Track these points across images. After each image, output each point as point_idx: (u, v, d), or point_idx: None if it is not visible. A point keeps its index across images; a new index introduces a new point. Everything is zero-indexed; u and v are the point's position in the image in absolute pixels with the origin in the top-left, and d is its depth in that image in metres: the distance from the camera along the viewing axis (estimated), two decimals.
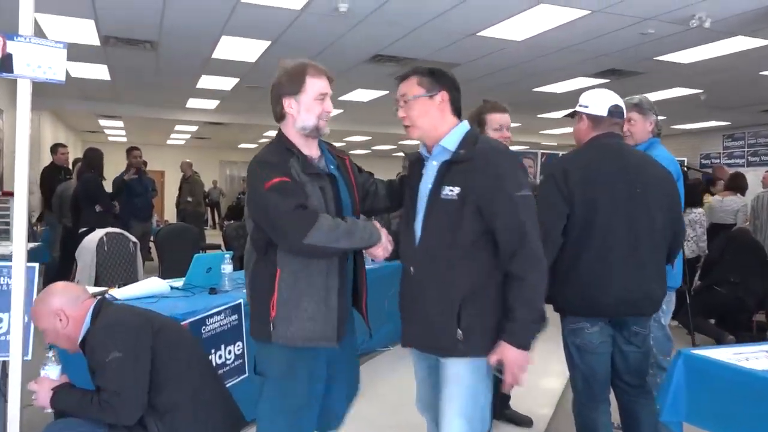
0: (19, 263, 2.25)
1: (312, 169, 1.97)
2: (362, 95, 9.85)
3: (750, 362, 2.10)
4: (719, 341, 4.72)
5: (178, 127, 15.16)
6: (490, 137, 2.53)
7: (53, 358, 2.11)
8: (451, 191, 1.87)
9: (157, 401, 2.02)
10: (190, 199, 9.93)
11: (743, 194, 6.17)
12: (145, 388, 1.98)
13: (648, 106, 3.04)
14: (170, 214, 13.48)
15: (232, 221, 13.55)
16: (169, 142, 18.65)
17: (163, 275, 5.11)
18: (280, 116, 2.01)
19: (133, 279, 4.30)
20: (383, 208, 2.30)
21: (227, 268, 3.23)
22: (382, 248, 1.98)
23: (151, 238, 7.58)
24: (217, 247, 8.94)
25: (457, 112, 2.00)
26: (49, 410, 2.08)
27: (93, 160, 6.06)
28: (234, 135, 16.64)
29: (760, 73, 7.45)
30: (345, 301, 2.03)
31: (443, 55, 6.83)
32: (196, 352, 2.25)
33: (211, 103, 11.26)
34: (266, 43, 6.63)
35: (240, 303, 2.99)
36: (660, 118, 3.17)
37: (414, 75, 1.99)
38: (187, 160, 10.67)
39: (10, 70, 2.18)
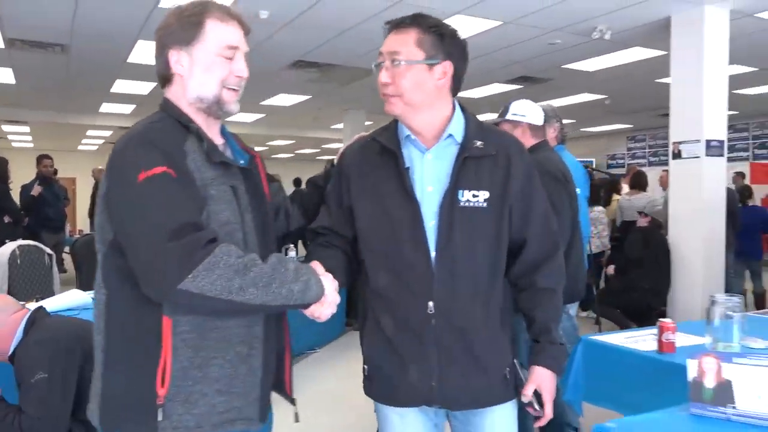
0: None
1: (220, 157, 1.28)
2: (285, 100, 9.83)
3: (639, 344, 2.36)
4: (624, 329, 5.12)
5: (90, 132, 14.49)
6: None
7: None
8: (474, 197, 1.42)
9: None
10: None
11: (645, 190, 6.71)
12: (68, 412, 1.92)
13: (551, 114, 3.13)
14: (83, 223, 12.86)
15: None
16: (80, 147, 17.76)
17: (82, 287, 4.93)
18: (164, 78, 1.35)
19: (49, 293, 4.15)
20: (297, 230, 1.63)
21: None
22: (329, 305, 1.30)
23: (66, 249, 7.27)
24: None
25: (456, 91, 1.51)
26: None
27: None
28: None
29: (656, 80, 8.06)
30: (272, 358, 1.36)
31: (364, 61, 6.93)
32: None
33: (126, 108, 10.87)
34: None
35: None
36: (569, 121, 3.45)
37: (414, 28, 1.42)
38: (99, 167, 10.27)
39: None
